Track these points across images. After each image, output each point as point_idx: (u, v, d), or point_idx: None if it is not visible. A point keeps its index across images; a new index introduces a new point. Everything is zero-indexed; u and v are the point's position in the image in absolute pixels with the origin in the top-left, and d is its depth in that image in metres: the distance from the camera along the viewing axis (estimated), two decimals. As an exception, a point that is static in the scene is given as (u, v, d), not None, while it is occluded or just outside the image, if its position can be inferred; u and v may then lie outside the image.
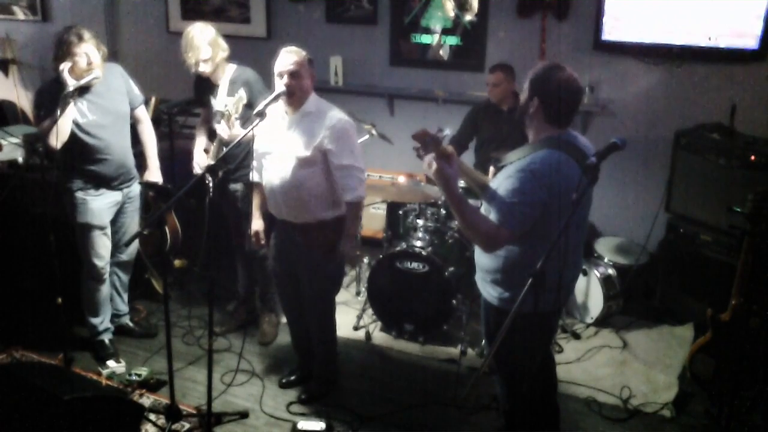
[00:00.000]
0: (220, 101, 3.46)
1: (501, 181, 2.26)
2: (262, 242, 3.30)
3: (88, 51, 3.12)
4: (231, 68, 3.53)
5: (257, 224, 3.26)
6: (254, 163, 3.21)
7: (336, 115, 2.96)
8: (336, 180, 2.99)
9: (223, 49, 3.46)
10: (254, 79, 3.48)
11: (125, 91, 3.42)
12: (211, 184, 2.91)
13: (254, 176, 3.23)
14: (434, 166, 2.16)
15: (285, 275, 3.26)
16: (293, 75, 2.86)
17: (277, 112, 3.01)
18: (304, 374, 3.45)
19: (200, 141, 3.71)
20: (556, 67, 2.28)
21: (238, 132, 3.27)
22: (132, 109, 3.48)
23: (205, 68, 3.42)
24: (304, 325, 3.36)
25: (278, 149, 2.99)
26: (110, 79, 3.34)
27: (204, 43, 3.37)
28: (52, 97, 3.13)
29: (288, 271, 3.23)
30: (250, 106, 3.40)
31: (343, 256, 3.07)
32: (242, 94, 3.19)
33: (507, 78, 3.95)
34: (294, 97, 2.90)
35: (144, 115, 3.59)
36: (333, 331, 3.37)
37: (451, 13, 4.62)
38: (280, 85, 2.88)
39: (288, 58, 2.89)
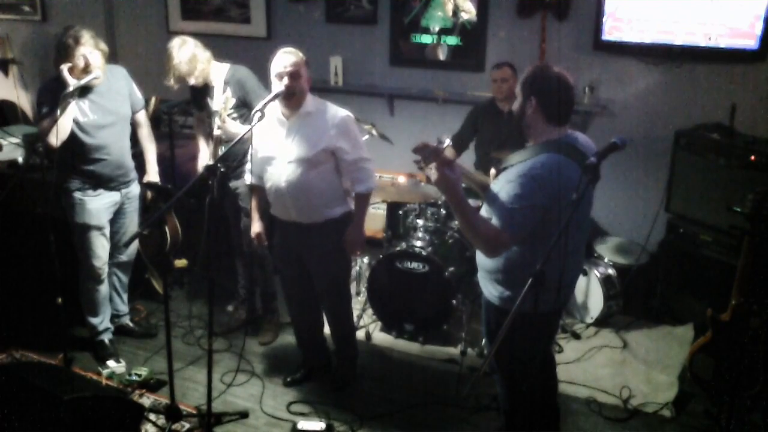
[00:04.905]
0: (216, 101, 3.46)
1: (502, 185, 2.26)
2: (264, 243, 3.30)
3: (86, 53, 3.14)
4: (224, 68, 3.51)
5: (257, 226, 3.26)
6: (249, 166, 3.19)
7: (337, 113, 2.97)
8: (347, 174, 3.01)
9: (203, 61, 3.41)
10: (247, 77, 3.47)
11: (128, 93, 3.43)
12: (212, 183, 2.90)
13: (251, 179, 3.22)
14: (436, 175, 2.16)
15: (291, 277, 3.28)
16: (293, 76, 2.86)
17: (274, 116, 2.99)
18: (309, 371, 3.46)
19: (203, 146, 3.72)
20: (545, 66, 2.33)
21: (231, 128, 3.27)
22: (133, 113, 3.49)
23: (189, 82, 3.43)
24: (312, 323, 3.40)
25: (282, 153, 2.98)
26: (113, 81, 3.35)
27: (182, 61, 3.34)
28: (53, 95, 3.14)
29: (294, 272, 3.25)
30: (245, 104, 3.41)
31: (355, 245, 3.10)
32: (228, 95, 3.21)
33: (514, 75, 3.96)
34: (294, 98, 2.89)
35: (144, 120, 3.60)
36: (352, 317, 3.45)
37: (451, 14, 4.61)
38: (278, 85, 2.87)
39: (287, 59, 2.88)
